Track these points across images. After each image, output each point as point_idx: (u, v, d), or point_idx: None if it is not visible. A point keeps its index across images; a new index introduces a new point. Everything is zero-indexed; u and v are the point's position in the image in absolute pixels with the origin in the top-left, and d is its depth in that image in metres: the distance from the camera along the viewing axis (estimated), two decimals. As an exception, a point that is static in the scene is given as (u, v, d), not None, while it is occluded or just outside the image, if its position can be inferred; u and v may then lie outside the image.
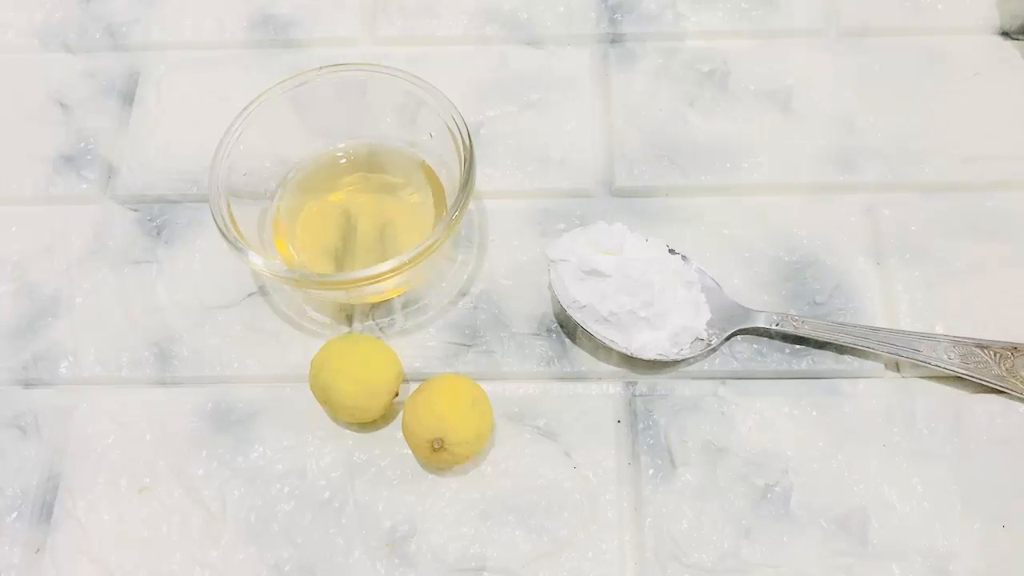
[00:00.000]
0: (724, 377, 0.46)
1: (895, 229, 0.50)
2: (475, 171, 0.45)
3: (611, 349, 0.45)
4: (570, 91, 0.55)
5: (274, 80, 0.49)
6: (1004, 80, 0.54)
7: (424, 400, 0.42)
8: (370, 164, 0.51)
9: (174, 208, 0.52)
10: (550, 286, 0.46)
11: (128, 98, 0.56)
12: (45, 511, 0.44)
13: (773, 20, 0.57)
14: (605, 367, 0.47)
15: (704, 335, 0.46)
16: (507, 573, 0.42)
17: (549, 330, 0.48)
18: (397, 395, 0.44)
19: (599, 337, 0.45)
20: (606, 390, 0.46)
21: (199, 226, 0.51)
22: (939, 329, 0.47)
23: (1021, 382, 0.44)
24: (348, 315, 0.49)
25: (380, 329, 0.48)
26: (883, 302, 0.48)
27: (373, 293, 0.47)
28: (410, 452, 0.44)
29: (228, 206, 0.46)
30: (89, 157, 0.54)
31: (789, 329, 0.46)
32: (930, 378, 0.46)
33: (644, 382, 0.46)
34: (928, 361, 0.45)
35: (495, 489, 0.44)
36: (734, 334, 0.46)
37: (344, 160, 0.51)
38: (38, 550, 0.43)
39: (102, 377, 0.47)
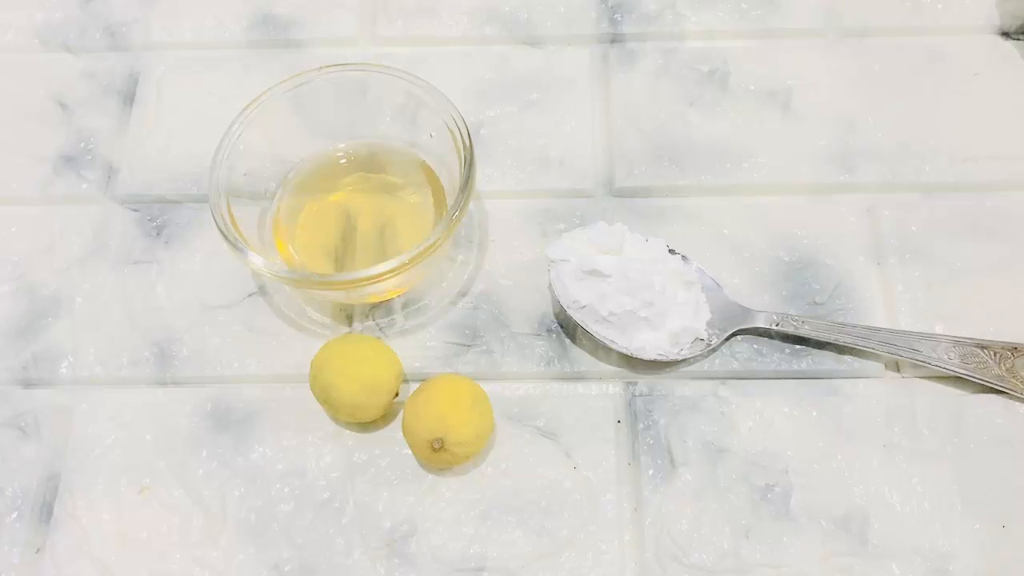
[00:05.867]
0: (724, 377, 0.46)
1: (895, 229, 0.50)
2: (475, 171, 0.45)
3: (611, 349, 0.45)
4: (570, 91, 0.55)
5: (274, 80, 0.49)
6: (1004, 80, 0.54)
7: (424, 400, 0.42)
8: (370, 164, 0.51)
9: (174, 208, 0.52)
10: (550, 286, 0.46)
11: (128, 98, 0.56)
12: (45, 511, 0.44)
13: (773, 20, 0.57)
14: (605, 367, 0.47)
15: (704, 335, 0.46)
16: (507, 573, 0.42)
17: (549, 330, 0.48)
18: (397, 395, 0.44)
19: (599, 337, 0.45)
20: (606, 390, 0.46)
21: (199, 226, 0.51)
22: (939, 329, 0.47)
23: (1021, 382, 0.44)
24: (348, 315, 0.49)
25: (380, 329, 0.48)
26: (883, 302, 0.48)
27: (373, 293, 0.47)
28: (410, 452, 0.44)
29: (228, 206, 0.46)
30: (89, 157, 0.54)
31: (789, 329, 0.46)
32: (930, 378, 0.46)
33: (644, 382, 0.46)
34: (928, 361, 0.45)
35: (495, 489, 0.44)
36: (734, 334, 0.46)
37: (344, 160, 0.51)
38: (38, 550, 0.43)
39: (102, 377, 0.47)
